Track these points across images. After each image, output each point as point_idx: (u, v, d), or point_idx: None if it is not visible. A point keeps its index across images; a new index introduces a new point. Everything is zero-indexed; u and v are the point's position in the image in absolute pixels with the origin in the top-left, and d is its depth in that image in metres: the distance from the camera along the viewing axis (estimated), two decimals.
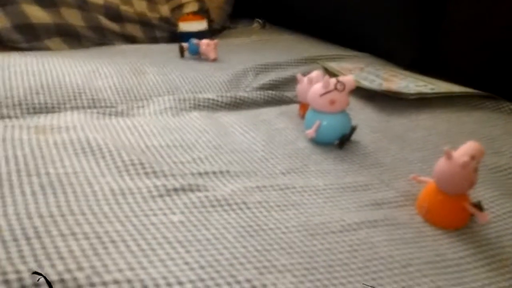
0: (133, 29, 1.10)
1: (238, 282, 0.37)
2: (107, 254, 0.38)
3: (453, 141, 0.64)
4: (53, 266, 0.36)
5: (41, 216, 0.41)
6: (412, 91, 0.80)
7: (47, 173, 0.48)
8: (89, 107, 0.69)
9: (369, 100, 0.82)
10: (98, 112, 0.65)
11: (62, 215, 0.42)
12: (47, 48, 0.96)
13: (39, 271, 0.35)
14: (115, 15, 1.07)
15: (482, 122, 0.77)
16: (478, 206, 0.49)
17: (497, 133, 0.73)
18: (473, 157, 0.46)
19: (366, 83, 0.83)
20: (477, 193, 0.55)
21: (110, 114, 0.66)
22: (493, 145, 0.69)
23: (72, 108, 0.68)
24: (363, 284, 0.39)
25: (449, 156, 0.47)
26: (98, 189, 0.46)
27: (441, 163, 0.48)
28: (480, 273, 0.43)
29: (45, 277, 0.34)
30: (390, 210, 0.51)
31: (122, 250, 0.39)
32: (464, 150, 0.47)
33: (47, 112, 0.66)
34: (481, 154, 0.48)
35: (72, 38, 1.01)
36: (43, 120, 0.61)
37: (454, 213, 0.48)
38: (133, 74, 0.80)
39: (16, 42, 0.92)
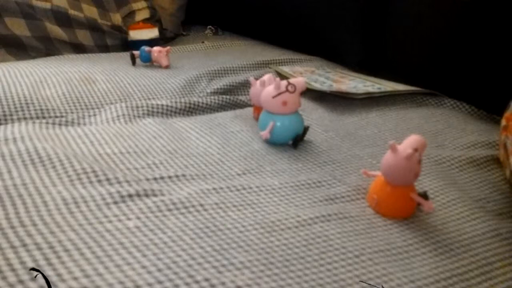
0: (83, 36, 1.07)
1: (197, 282, 0.38)
2: (61, 263, 0.38)
3: (401, 137, 0.67)
4: (4, 278, 0.35)
5: None
6: (360, 91, 0.84)
7: None
8: (38, 118, 0.67)
9: (321, 101, 0.84)
10: (47, 122, 0.64)
11: (12, 227, 0.41)
12: None
13: None
14: (64, 20, 1.04)
15: (426, 118, 0.81)
16: (424, 196, 0.52)
17: (440, 127, 0.77)
18: (416, 149, 0.49)
19: (317, 85, 0.86)
20: (423, 184, 0.58)
21: (60, 124, 0.65)
22: (437, 139, 0.73)
23: (19, 119, 0.66)
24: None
25: (394, 150, 0.49)
26: (49, 199, 0.45)
27: (387, 157, 0.50)
28: (427, 258, 0.45)
29: (45, 277, 0.34)
30: (343, 204, 0.53)
31: (77, 258, 0.38)
32: (407, 143, 0.50)
33: None
34: (424, 146, 0.51)
35: (18, 49, 0.98)
36: None
37: (402, 203, 0.51)
38: (83, 83, 0.79)
39: None
